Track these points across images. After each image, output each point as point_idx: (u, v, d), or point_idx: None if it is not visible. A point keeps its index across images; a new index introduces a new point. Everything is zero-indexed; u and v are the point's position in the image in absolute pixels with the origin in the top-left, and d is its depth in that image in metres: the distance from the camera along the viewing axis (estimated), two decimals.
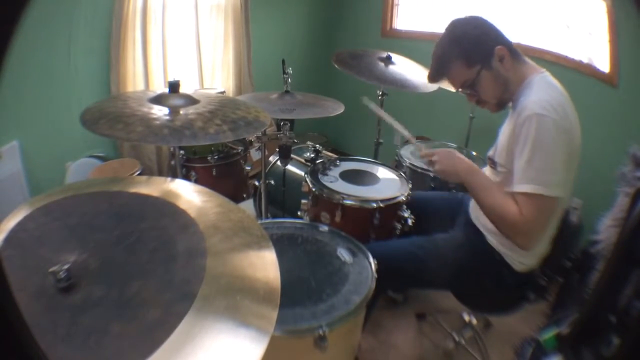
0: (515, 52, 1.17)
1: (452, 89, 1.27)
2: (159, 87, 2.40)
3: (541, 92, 1.06)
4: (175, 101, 1.18)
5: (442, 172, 1.20)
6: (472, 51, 1.15)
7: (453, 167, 1.18)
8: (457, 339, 1.66)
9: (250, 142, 1.64)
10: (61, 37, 2.06)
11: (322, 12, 3.44)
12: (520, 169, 1.03)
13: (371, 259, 1.14)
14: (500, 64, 1.14)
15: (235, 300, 0.57)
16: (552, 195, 1.00)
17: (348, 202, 1.38)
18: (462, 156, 1.20)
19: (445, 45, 1.19)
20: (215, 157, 1.96)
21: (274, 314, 0.56)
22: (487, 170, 1.28)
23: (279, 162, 1.85)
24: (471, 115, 2.31)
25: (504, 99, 1.20)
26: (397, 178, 1.61)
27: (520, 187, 1.03)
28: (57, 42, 2.05)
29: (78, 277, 0.57)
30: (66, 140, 2.15)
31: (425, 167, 1.86)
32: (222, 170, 2.00)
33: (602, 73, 1.96)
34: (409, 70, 1.98)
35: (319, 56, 3.38)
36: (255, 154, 2.59)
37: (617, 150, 1.49)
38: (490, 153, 1.26)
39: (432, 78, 1.26)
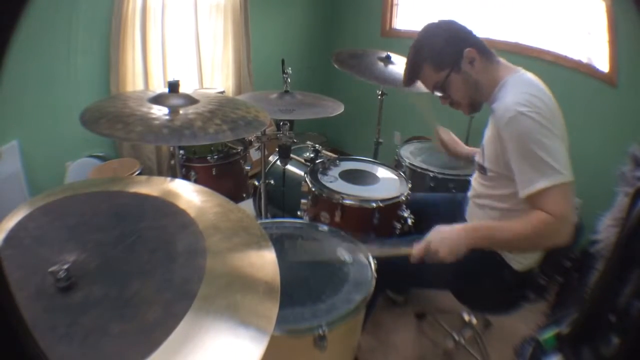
0: (487, 54, 1.17)
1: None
2: (159, 87, 2.40)
3: (516, 90, 1.06)
4: (175, 101, 1.18)
5: (451, 253, 1.03)
6: (440, 55, 1.16)
7: (454, 240, 1.04)
8: (457, 338, 1.66)
9: (250, 142, 1.64)
10: (61, 36, 2.06)
11: (321, 12, 3.44)
12: (526, 170, 1.01)
13: (371, 259, 1.14)
14: (470, 66, 1.15)
15: (234, 300, 0.57)
16: (567, 180, 0.98)
17: (348, 201, 1.38)
18: (447, 227, 1.08)
19: (415, 49, 1.21)
20: (215, 156, 1.96)
21: (273, 314, 0.56)
22: (476, 176, 1.28)
23: (278, 162, 1.85)
24: (471, 115, 2.30)
25: (476, 100, 1.21)
26: (396, 178, 1.61)
27: (536, 186, 0.99)
28: (56, 41, 2.05)
29: (77, 276, 0.57)
30: (66, 140, 2.15)
31: (424, 166, 1.86)
32: (221, 170, 2.00)
33: (602, 73, 1.96)
34: None
35: (319, 56, 3.38)
36: (254, 154, 2.59)
37: (617, 150, 1.48)
38: (477, 159, 1.26)
39: (406, 82, 1.29)
